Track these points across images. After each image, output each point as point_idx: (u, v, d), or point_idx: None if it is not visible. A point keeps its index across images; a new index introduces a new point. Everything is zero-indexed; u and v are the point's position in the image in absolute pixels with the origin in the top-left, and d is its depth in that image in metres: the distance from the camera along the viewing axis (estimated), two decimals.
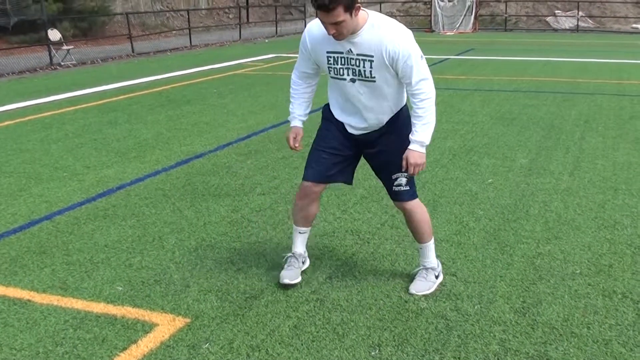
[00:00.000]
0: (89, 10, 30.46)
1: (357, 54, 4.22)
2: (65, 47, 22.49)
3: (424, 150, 4.32)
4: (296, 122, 4.75)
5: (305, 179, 4.73)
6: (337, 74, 4.39)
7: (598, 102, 12.55)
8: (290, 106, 4.78)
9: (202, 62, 21.78)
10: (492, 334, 4.12)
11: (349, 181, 4.86)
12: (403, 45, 4.14)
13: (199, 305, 4.56)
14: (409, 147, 4.31)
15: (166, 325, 4.29)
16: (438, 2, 38.85)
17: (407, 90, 4.36)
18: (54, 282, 4.97)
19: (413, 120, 4.31)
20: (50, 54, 21.69)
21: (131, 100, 13.83)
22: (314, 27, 4.38)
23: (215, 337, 4.14)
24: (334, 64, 4.35)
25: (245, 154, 8.82)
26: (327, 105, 4.72)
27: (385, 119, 4.49)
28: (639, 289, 4.70)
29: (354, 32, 4.14)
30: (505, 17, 39.56)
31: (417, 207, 4.69)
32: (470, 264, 5.16)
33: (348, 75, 4.34)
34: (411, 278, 4.87)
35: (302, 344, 4.05)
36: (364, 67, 4.25)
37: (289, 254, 4.98)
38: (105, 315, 4.44)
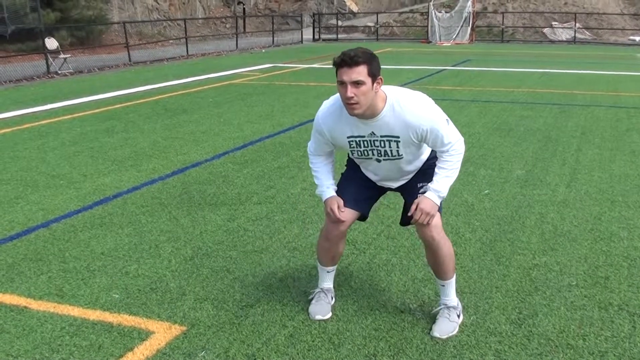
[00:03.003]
0: (86, 19, 30.51)
1: (381, 136, 4.09)
2: (62, 56, 22.51)
3: (438, 202, 4.13)
4: (331, 192, 4.38)
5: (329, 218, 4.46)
6: (361, 155, 4.25)
7: (595, 113, 12.57)
8: (316, 180, 4.46)
9: (198, 71, 21.80)
10: (487, 345, 4.13)
11: (366, 215, 4.61)
12: (429, 120, 4.00)
13: (195, 313, 4.56)
14: (425, 194, 4.12)
15: (162, 333, 4.29)
16: (435, 13, 38.95)
17: (438, 149, 4.18)
18: (50, 289, 4.97)
19: (437, 169, 4.16)
20: (47, 63, 21.70)
21: (128, 109, 13.83)
22: (326, 114, 4.23)
23: (211, 345, 4.14)
24: (357, 147, 4.20)
25: (242, 163, 8.82)
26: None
27: (410, 177, 4.42)
28: (635, 301, 4.71)
29: (373, 114, 3.99)
30: (502, 29, 39.63)
31: (444, 239, 4.28)
32: (466, 275, 5.16)
33: (374, 155, 4.21)
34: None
35: (297, 353, 4.05)
36: (389, 147, 4.13)
37: (317, 290, 4.72)
38: (102, 323, 4.44)
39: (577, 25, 38.30)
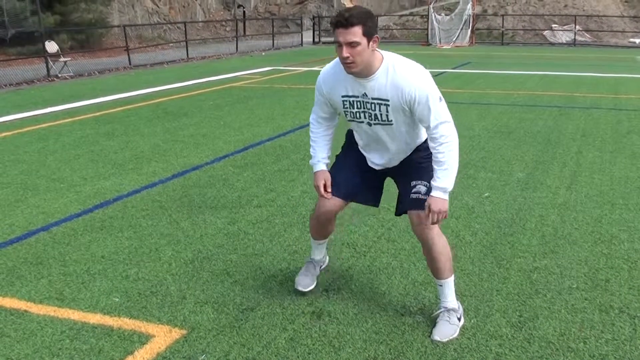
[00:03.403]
0: (86, 22, 30.53)
1: (372, 98, 4.13)
2: (62, 59, 22.51)
3: (446, 197, 4.13)
4: (321, 166, 4.53)
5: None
6: (353, 117, 4.31)
7: (595, 116, 12.58)
8: (312, 150, 4.59)
9: (198, 74, 21.81)
10: (488, 348, 4.12)
11: (373, 203, 4.74)
12: (420, 88, 4.02)
13: (195, 317, 4.56)
14: (432, 193, 4.13)
15: (162, 337, 4.28)
16: (435, 16, 38.98)
17: (427, 134, 4.21)
18: (50, 293, 4.97)
19: (434, 165, 4.16)
20: (47, 66, 21.70)
21: (128, 112, 13.84)
22: (328, 72, 4.34)
23: (211, 348, 4.14)
24: (350, 108, 4.26)
25: (242, 167, 8.82)
26: (351, 130, 4.62)
27: (403, 157, 4.44)
28: (636, 304, 4.71)
29: (368, 73, 4.05)
30: (502, 31, 39.65)
31: (438, 235, 4.31)
32: (467, 278, 5.16)
33: (365, 118, 4.26)
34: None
35: (298, 357, 4.04)
36: (379, 111, 4.16)
37: (308, 259, 5.00)
38: (102, 326, 4.44)
39: (577, 27, 38.32)
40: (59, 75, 21.65)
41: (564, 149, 9.62)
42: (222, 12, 46.20)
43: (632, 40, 37.64)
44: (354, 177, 4.53)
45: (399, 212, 4.52)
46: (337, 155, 4.71)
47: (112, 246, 5.96)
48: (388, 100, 4.09)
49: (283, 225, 6.45)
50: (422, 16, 42.83)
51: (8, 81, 19.72)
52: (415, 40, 40.97)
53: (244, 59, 29.18)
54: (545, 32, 39.79)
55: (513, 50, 34.50)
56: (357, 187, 4.55)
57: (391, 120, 4.18)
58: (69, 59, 23.29)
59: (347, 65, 3.98)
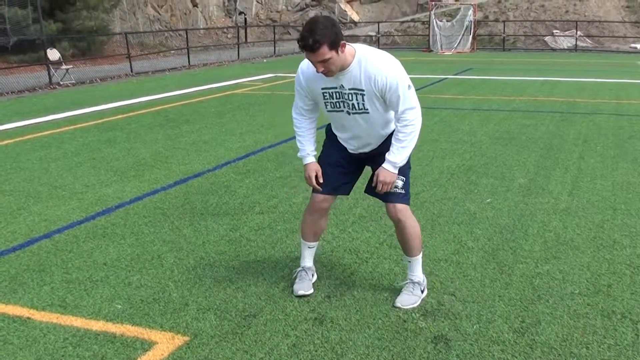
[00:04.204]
0: (88, 30, 30.57)
1: (349, 89, 4.44)
2: (64, 67, 22.53)
3: (395, 171, 4.54)
4: (311, 159, 4.85)
5: (314, 192, 4.90)
6: (333, 108, 4.60)
7: (597, 121, 12.57)
8: (299, 144, 4.89)
9: (200, 81, 21.83)
10: (491, 354, 4.12)
11: (347, 193, 5.05)
12: (391, 76, 4.32)
13: (197, 323, 4.56)
14: (383, 165, 4.54)
15: (165, 344, 4.29)
16: (436, 22, 38.98)
17: (394, 116, 4.53)
18: (53, 300, 4.97)
19: (393, 140, 4.52)
20: (49, 74, 21.72)
21: (130, 120, 13.85)
22: (306, 65, 4.58)
23: (214, 355, 4.14)
24: (329, 99, 4.57)
25: (244, 173, 8.83)
26: (330, 124, 4.92)
27: (380, 141, 4.71)
28: (638, 309, 4.71)
29: (342, 68, 4.34)
30: (504, 37, 39.65)
31: (410, 219, 4.74)
32: (469, 284, 5.16)
33: (344, 107, 4.56)
34: (398, 291, 4.91)
35: None
36: (356, 100, 4.46)
37: (299, 269, 5.16)
38: (105, 333, 4.44)
39: (579, 33, 38.30)
40: (61, 82, 21.67)
41: (565, 155, 9.61)
42: (223, 19, 46.23)
43: (633, 45, 37.62)
44: (338, 172, 4.86)
45: (368, 191, 4.86)
46: (321, 152, 4.99)
47: (115, 253, 5.97)
48: (363, 90, 4.41)
49: (285, 231, 6.46)
50: (423, 22, 42.78)
51: (10, 89, 19.74)
52: (416, 46, 40.95)
53: (245, 66, 29.22)
54: (547, 38, 39.78)
55: (514, 56, 34.50)
56: (342, 180, 4.89)
57: (367, 109, 4.49)
58: (71, 66, 23.32)
59: (325, 74, 4.35)
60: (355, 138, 4.73)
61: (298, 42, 4.23)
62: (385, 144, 4.65)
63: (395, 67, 4.37)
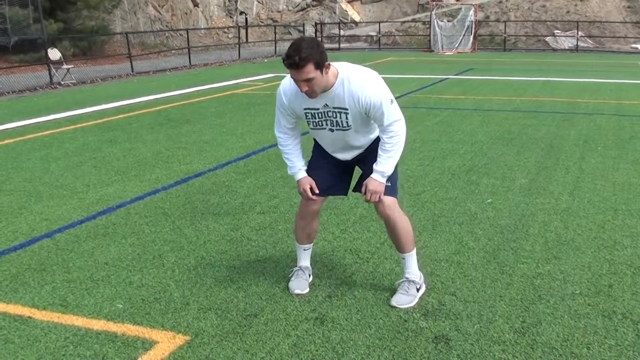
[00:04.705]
0: (88, 29, 30.61)
1: (334, 107, 4.51)
2: (65, 67, 22.53)
3: (384, 180, 4.61)
4: (302, 174, 4.88)
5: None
6: (316, 126, 4.70)
7: (598, 122, 12.57)
8: (288, 162, 4.93)
9: (201, 81, 21.85)
10: (491, 354, 4.12)
11: (345, 193, 5.10)
12: (374, 95, 4.39)
13: (198, 323, 4.56)
14: (371, 175, 4.60)
15: (166, 343, 4.29)
16: (437, 22, 38.98)
17: (379, 128, 4.61)
18: (54, 299, 4.98)
19: (379, 151, 4.58)
20: (50, 73, 21.74)
21: (131, 119, 13.86)
22: (287, 85, 4.64)
23: (215, 355, 4.14)
24: (312, 118, 4.65)
25: (245, 173, 8.83)
26: None
27: (366, 145, 4.83)
28: (639, 310, 4.71)
29: (325, 89, 4.41)
30: (505, 37, 39.64)
31: (399, 214, 4.76)
32: (470, 284, 5.16)
33: (327, 125, 4.65)
34: (393, 290, 4.92)
35: None
36: (340, 118, 4.55)
37: (296, 268, 5.22)
38: (106, 333, 4.44)
39: (580, 33, 38.28)
40: (62, 82, 21.68)
41: (566, 155, 9.61)
42: (224, 19, 46.24)
43: (634, 46, 37.60)
44: (328, 174, 4.92)
45: (357, 190, 4.92)
46: (309, 159, 5.03)
47: (116, 253, 5.97)
48: (347, 109, 4.49)
49: (286, 231, 6.46)
50: (424, 22, 42.77)
51: (11, 88, 19.76)
52: (417, 46, 40.94)
53: (246, 66, 29.23)
54: (548, 38, 39.76)
55: (515, 56, 34.49)
56: (332, 182, 4.93)
57: (350, 126, 4.59)
58: (72, 66, 23.32)
59: (308, 95, 4.39)
60: (339, 151, 4.85)
61: (283, 61, 4.24)
62: (373, 145, 4.74)
63: (377, 84, 4.44)
